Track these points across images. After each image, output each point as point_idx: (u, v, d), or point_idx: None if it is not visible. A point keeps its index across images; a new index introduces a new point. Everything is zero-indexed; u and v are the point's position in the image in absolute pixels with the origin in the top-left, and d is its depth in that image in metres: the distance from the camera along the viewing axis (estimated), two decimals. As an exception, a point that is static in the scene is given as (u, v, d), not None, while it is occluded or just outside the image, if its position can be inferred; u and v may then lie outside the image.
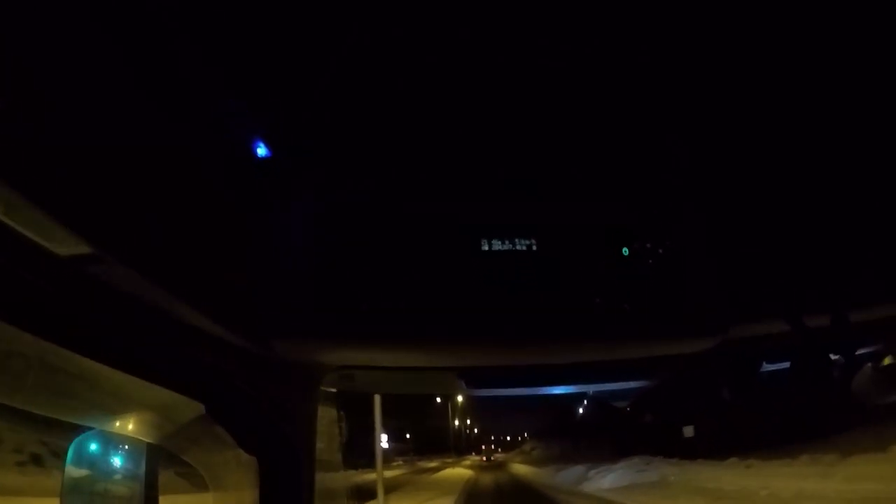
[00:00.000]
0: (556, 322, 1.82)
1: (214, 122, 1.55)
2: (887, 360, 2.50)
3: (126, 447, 2.01)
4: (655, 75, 1.89)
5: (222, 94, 1.55)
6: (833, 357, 2.34)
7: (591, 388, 2.97)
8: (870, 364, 2.52)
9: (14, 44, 0.90)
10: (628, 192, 2.03)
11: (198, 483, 2.10)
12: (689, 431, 28.27)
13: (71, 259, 1.14)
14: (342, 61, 1.66)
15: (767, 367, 2.62)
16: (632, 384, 2.70)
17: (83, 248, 1.13)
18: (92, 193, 1.10)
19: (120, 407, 1.83)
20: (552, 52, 1.76)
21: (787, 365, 2.46)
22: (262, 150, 1.68)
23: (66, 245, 1.12)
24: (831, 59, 1.85)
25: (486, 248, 1.79)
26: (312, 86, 1.71)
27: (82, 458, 2.02)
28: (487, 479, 48.42)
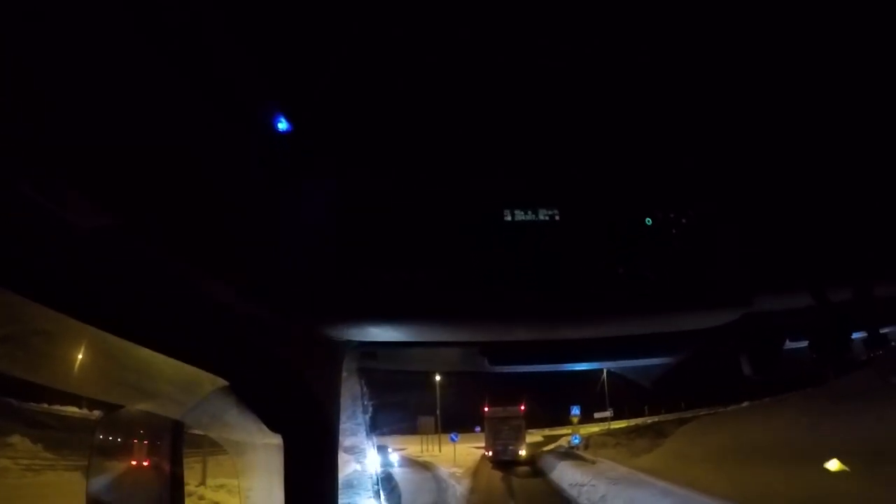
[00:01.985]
0: (580, 293, 1.80)
1: (239, 101, 1.54)
2: None
3: (152, 424, 2.03)
4: (678, 50, 1.86)
5: (246, 76, 1.55)
6: (858, 335, 2.32)
7: (614, 365, 2.95)
8: (893, 342, 2.49)
9: (39, 33, 0.90)
10: (652, 162, 2.00)
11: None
12: None
13: (95, 232, 1.14)
14: (365, 49, 1.65)
15: (791, 344, 2.58)
16: (655, 360, 2.69)
17: (108, 221, 1.12)
18: (117, 167, 1.10)
19: (146, 384, 1.84)
20: (564, 44, 1.75)
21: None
22: (283, 125, 1.67)
23: (90, 218, 1.11)
24: (858, 35, 1.81)
25: (508, 218, 1.77)
26: (337, 68, 1.71)
27: (109, 435, 2.05)
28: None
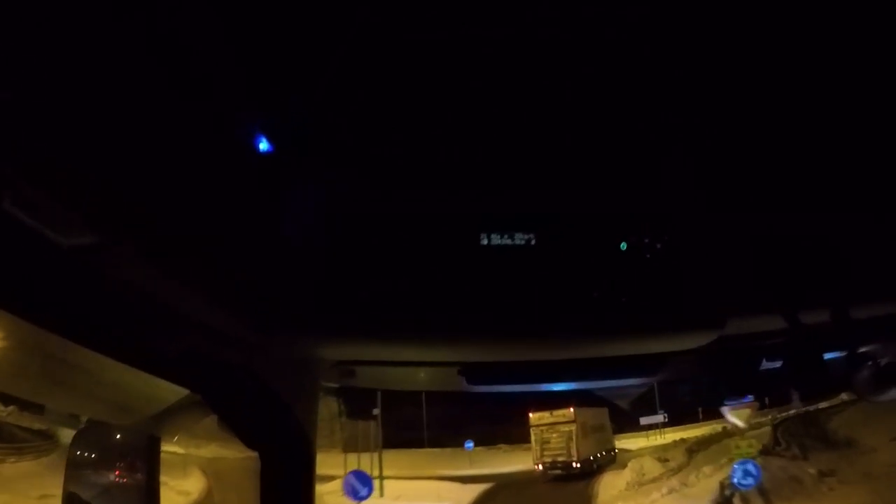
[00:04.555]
0: (556, 316, 1.83)
1: (219, 116, 1.56)
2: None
3: (127, 438, 2.03)
4: (654, 68, 1.90)
5: (228, 90, 1.57)
6: (832, 354, 2.35)
7: (591, 385, 2.98)
8: (870, 361, 2.53)
9: (11, 38, 0.91)
10: (627, 187, 2.03)
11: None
12: None
13: (74, 249, 1.15)
14: (338, 66, 1.68)
15: (767, 364, 2.61)
16: (633, 381, 2.71)
17: (87, 238, 1.14)
18: (99, 183, 1.11)
19: (121, 399, 1.84)
20: (550, 42, 1.78)
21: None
22: (264, 146, 1.69)
23: (70, 235, 1.13)
24: (832, 51, 1.86)
25: (485, 242, 1.80)
26: (312, 88, 1.73)
27: (84, 450, 2.04)
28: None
